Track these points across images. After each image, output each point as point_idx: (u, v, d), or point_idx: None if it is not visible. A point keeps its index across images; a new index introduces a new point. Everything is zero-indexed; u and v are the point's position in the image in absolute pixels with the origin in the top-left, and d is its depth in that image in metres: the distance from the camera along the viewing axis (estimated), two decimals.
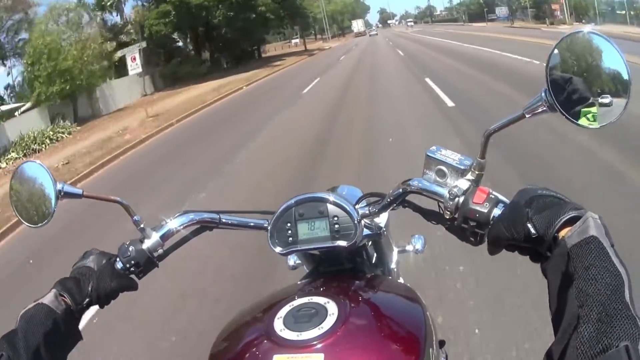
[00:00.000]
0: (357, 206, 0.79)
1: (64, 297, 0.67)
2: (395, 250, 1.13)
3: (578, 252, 0.47)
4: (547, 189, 0.58)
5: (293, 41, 57.84)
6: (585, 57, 0.54)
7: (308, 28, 39.64)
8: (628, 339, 0.38)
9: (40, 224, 0.75)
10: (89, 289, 0.70)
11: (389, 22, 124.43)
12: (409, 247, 1.20)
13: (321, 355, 0.58)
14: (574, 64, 0.55)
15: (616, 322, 0.40)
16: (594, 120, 0.55)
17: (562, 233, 0.51)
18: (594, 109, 0.55)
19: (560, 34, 0.57)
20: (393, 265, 1.07)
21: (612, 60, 0.54)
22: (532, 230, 0.53)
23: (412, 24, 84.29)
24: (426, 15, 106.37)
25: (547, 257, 0.52)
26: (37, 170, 0.75)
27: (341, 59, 24.54)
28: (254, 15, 27.07)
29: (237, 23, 26.13)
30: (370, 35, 57.86)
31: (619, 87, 0.54)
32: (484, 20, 46.06)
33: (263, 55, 37.21)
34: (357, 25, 75.27)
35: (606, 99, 0.54)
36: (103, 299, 0.72)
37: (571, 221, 0.51)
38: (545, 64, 0.55)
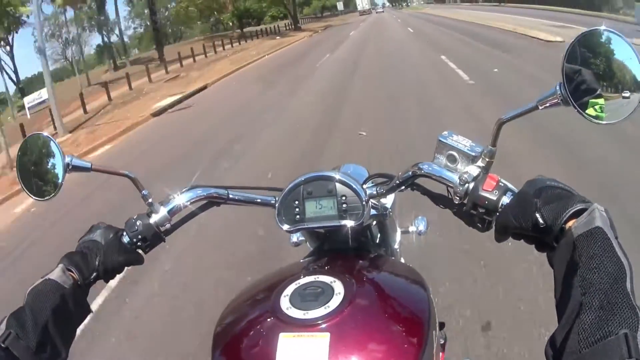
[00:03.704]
0: (364, 186, 0.79)
1: (71, 271, 0.67)
2: (399, 231, 1.14)
3: (583, 242, 0.48)
4: (555, 181, 0.59)
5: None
6: (601, 55, 0.55)
7: None
8: (627, 328, 0.39)
9: (47, 197, 0.75)
10: (96, 263, 0.70)
11: None
12: (412, 229, 1.21)
13: (327, 335, 0.58)
14: (589, 61, 0.55)
15: (617, 311, 0.41)
16: (605, 115, 0.56)
17: (569, 224, 0.52)
18: (601, 101, 0.56)
19: None
20: (396, 246, 1.08)
21: (628, 58, 0.54)
22: (540, 221, 0.55)
23: None
24: None
25: (553, 247, 0.54)
26: (45, 143, 0.74)
27: None
28: None
29: None
30: (377, 13, 53.27)
31: (633, 85, 0.54)
32: None
33: None
34: (362, 2, 69.52)
35: (627, 93, 0.55)
36: (109, 274, 0.73)
37: (578, 213, 0.52)
38: (562, 59, 0.55)
